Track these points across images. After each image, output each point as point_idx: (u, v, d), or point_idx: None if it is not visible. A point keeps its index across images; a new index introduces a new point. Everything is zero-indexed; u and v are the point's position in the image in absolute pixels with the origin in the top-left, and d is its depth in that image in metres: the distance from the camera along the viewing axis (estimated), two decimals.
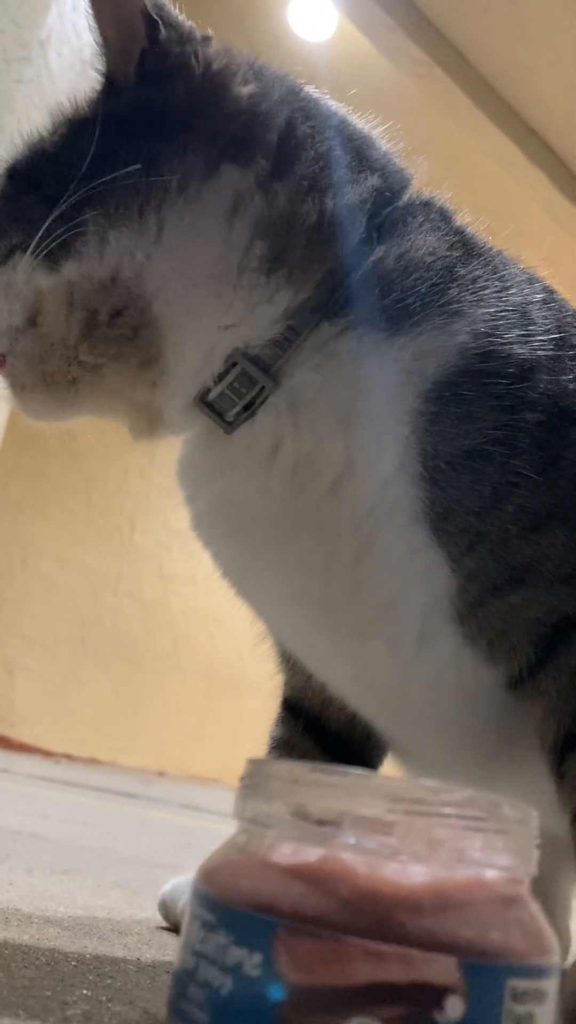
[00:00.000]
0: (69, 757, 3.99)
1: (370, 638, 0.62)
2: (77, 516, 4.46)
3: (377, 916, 0.32)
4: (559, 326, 0.60)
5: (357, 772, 0.36)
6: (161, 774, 4.15)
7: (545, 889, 0.83)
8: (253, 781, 0.37)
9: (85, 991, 0.48)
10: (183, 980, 0.35)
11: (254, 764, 0.38)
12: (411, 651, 0.60)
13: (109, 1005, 0.47)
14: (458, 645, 0.59)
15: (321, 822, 0.35)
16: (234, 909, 0.34)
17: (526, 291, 0.61)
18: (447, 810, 0.35)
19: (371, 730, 0.71)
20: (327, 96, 0.69)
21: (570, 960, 0.78)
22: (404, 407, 0.57)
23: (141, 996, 0.50)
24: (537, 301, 0.61)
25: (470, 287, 0.60)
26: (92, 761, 4.10)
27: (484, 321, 0.58)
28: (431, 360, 0.57)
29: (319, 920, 0.32)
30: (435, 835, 0.34)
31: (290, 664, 0.72)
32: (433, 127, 2.98)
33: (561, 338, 0.59)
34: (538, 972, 0.34)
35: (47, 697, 4.27)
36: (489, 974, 0.32)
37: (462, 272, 0.61)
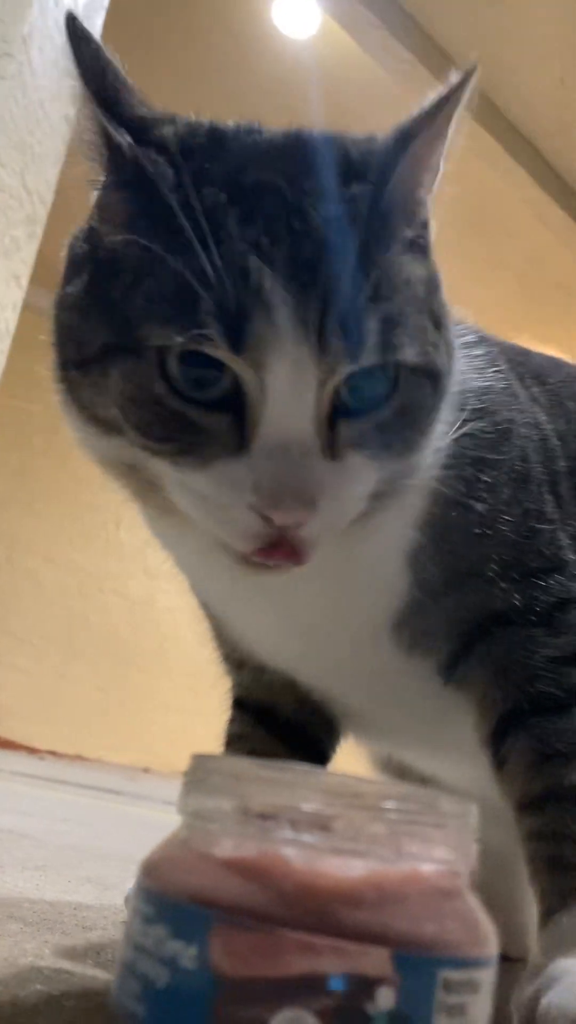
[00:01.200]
0: (55, 754, 3.99)
1: (332, 640, 0.65)
2: (64, 514, 4.45)
3: (312, 909, 0.33)
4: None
5: (298, 767, 0.37)
6: (147, 771, 4.15)
7: (513, 882, 0.84)
8: (196, 776, 0.38)
9: (39, 986, 0.48)
10: (123, 973, 0.36)
11: (197, 759, 0.38)
12: (366, 650, 0.64)
13: (62, 1000, 0.47)
14: (392, 643, 0.64)
15: (262, 817, 0.35)
16: (172, 902, 0.34)
17: None
18: (385, 805, 0.35)
19: (322, 715, 0.73)
20: None
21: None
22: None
23: (97, 990, 0.50)
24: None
25: None
26: (78, 758, 4.10)
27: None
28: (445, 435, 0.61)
29: (254, 913, 0.33)
30: (373, 830, 0.35)
31: (238, 665, 0.74)
32: None
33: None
34: (472, 963, 0.34)
35: (33, 694, 4.27)
36: (421, 965, 0.33)
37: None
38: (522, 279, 3.83)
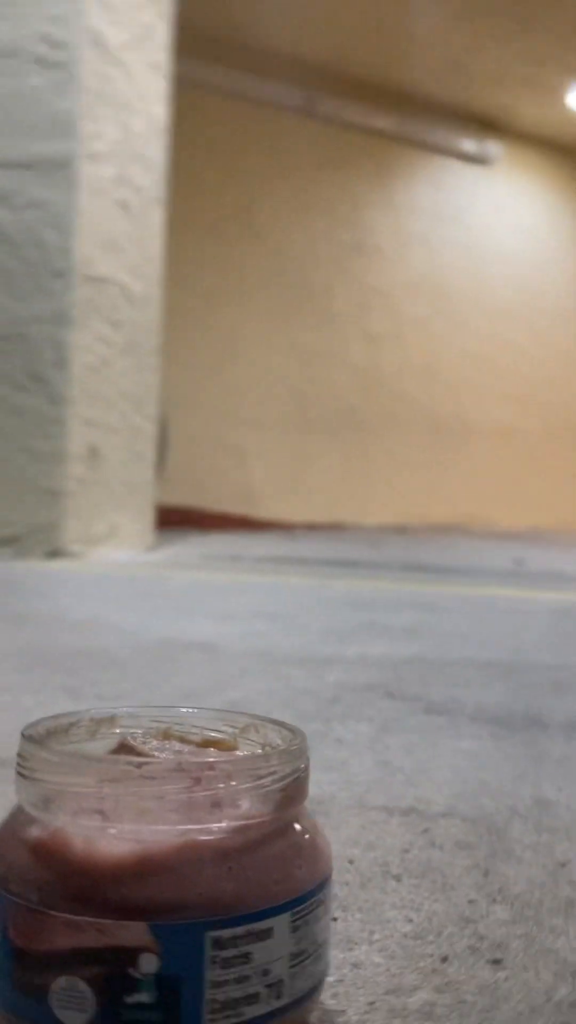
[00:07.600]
0: (310, 527, 4.24)
1: None
2: (272, 296, 4.46)
3: (81, 889, 0.36)
4: None
5: (67, 750, 0.39)
6: (401, 530, 4.32)
7: None
8: (17, 760, 0.41)
9: None
10: None
11: (21, 740, 0.42)
12: None
13: None
14: None
15: (54, 800, 0.38)
16: None
17: None
18: (156, 779, 0.37)
19: None
20: None
21: None
22: None
23: None
24: None
25: None
26: (334, 526, 4.33)
27: None
28: None
29: (31, 895, 0.37)
30: (144, 806, 0.37)
31: None
32: None
33: None
34: (250, 919, 0.36)
35: (280, 475, 4.50)
36: (182, 931, 0.35)
37: None
38: None
